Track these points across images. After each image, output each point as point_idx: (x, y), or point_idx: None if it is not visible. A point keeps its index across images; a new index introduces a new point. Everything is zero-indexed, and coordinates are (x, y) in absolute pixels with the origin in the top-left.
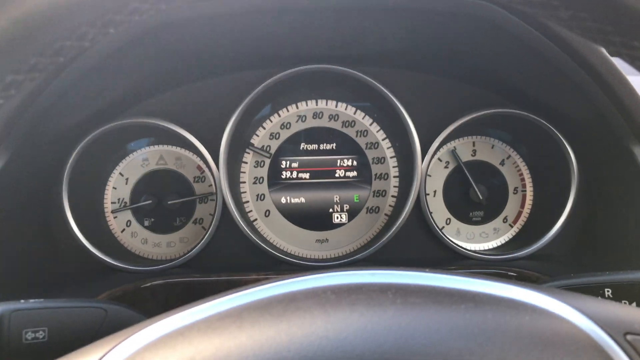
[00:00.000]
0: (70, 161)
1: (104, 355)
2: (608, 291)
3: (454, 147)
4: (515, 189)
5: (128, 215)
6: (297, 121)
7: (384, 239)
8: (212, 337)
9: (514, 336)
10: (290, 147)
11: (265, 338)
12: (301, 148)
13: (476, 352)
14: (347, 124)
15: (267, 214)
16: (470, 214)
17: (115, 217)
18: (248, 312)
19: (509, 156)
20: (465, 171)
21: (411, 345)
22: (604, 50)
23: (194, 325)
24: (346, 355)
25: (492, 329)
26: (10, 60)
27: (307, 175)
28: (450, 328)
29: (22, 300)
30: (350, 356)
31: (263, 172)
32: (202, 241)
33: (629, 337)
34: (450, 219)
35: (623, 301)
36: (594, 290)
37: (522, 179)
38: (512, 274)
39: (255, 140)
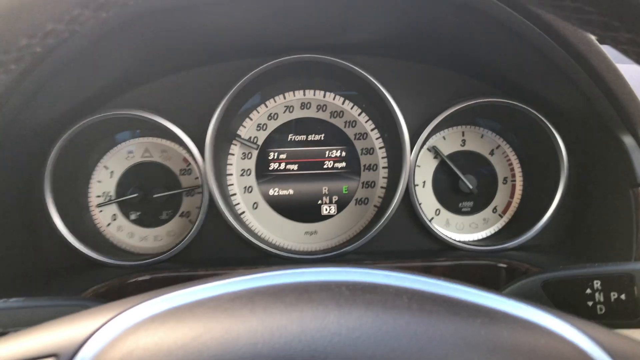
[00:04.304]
0: (52, 154)
1: (107, 321)
2: (597, 283)
3: (443, 137)
4: (505, 179)
5: (113, 209)
6: (284, 112)
7: (373, 230)
8: (222, 318)
9: (527, 357)
10: (278, 138)
11: (277, 326)
12: (289, 139)
13: None
14: (335, 115)
15: (255, 207)
16: (460, 204)
17: (100, 211)
18: (260, 296)
19: (499, 146)
20: (451, 165)
21: (425, 354)
22: (593, 38)
23: (203, 302)
24: (357, 355)
25: (507, 347)
26: None
27: (295, 167)
28: (466, 341)
29: (2, 300)
30: (362, 357)
31: (250, 163)
32: (189, 235)
33: None
34: (439, 210)
35: (612, 293)
36: (584, 282)
37: (512, 169)
38: (501, 265)
39: (242, 132)
